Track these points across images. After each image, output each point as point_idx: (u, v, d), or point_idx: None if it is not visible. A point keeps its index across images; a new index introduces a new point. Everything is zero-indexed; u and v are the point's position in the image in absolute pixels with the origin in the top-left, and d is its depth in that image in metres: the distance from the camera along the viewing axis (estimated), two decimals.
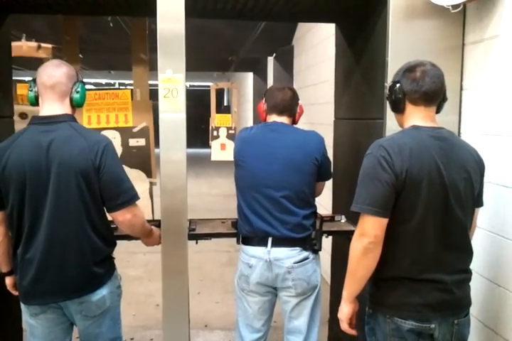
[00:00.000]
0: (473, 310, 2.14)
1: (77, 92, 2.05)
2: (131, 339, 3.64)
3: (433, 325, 1.75)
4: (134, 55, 3.04)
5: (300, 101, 2.48)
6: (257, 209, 2.31)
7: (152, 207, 2.97)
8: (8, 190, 1.96)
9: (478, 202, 1.90)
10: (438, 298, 1.76)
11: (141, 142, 2.94)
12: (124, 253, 4.98)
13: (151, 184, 2.97)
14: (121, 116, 2.93)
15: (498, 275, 2.15)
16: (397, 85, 1.83)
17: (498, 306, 2.15)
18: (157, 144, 2.85)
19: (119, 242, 2.19)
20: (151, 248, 2.45)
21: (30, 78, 2.08)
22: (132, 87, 3.10)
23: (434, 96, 1.81)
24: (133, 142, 2.91)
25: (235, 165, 2.41)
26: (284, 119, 2.40)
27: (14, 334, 2.77)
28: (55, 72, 2.01)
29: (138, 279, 4.93)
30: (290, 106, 2.41)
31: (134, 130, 2.94)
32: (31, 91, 2.05)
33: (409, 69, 1.82)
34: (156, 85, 2.31)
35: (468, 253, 1.85)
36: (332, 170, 2.58)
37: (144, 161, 2.93)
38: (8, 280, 2.14)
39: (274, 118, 2.41)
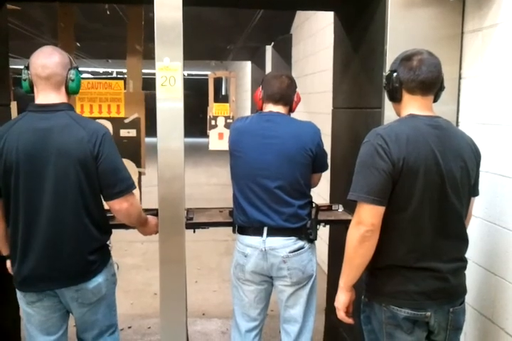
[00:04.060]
0: (470, 299, 2.16)
1: (72, 80, 2.04)
2: (129, 327, 3.66)
3: (428, 313, 1.77)
4: (129, 45, 3.02)
5: (297, 89, 2.47)
6: (253, 200, 2.30)
7: (140, 196, 3.00)
8: (2, 177, 1.96)
9: (475, 191, 1.91)
10: (433, 286, 1.76)
11: (132, 133, 2.96)
12: (121, 242, 5.02)
13: (140, 174, 3.02)
14: (114, 106, 2.95)
15: (494, 265, 2.16)
16: (394, 74, 1.82)
17: (494, 295, 2.16)
18: (148, 134, 2.90)
19: (117, 231, 2.20)
20: (148, 237, 2.45)
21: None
22: None
23: (431, 85, 1.81)
24: (124, 132, 2.93)
25: (230, 156, 2.40)
26: (280, 108, 2.39)
27: (12, 323, 2.77)
28: (48, 63, 1.97)
29: (136, 268, 4.95)
30: (287, 95, 2.39)
31: (126, 121, 2.97)
32: (25, 80, 2.02)
33: (406, 58, 1.81)
34: (149, 74, 2.30)
35: (463, 241, 1.86)
36: (330, 160, 2.57)
37: (134, 151, 2.95)
38: (9, 264, 2.13)
39: (270, 107, 2.39)
